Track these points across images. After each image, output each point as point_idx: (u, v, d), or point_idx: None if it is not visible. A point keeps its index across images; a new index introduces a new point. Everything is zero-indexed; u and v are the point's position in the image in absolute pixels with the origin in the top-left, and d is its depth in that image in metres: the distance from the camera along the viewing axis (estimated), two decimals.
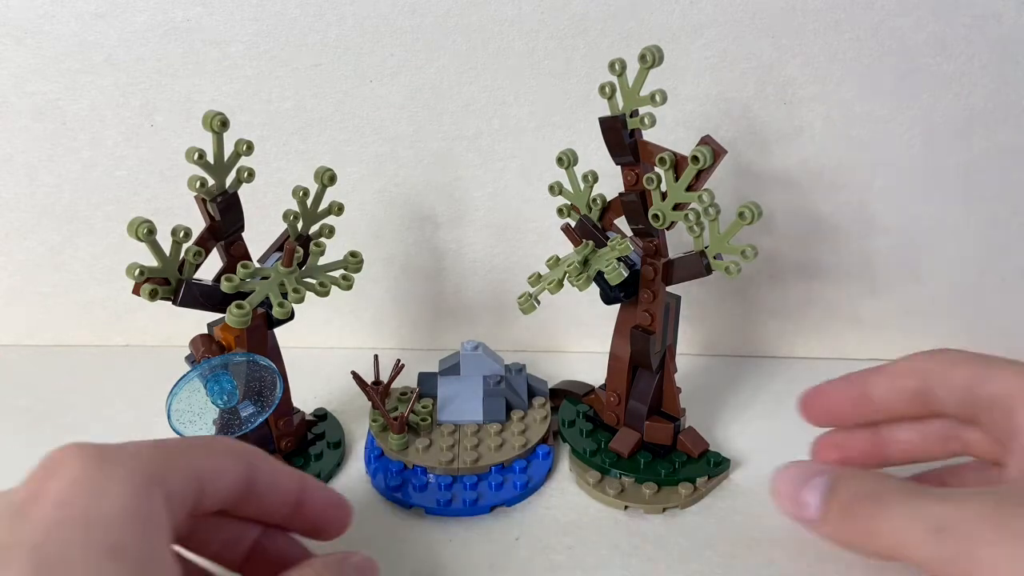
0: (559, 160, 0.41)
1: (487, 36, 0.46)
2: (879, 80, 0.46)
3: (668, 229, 0.38)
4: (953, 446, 0.33)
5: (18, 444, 0.46)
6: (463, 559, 0.38)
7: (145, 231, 0.34)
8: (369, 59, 0.47)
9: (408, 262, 0.54)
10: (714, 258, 0.36)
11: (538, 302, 0.38)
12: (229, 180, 0.37)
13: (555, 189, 0.42)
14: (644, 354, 0.41)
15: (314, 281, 0.38)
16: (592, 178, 0.41)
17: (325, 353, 0.55)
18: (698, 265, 0.37)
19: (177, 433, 0.36)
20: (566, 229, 0.41)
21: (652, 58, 0.35)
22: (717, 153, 0.35)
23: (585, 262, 0.38)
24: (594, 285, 0.39)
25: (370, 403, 0.44)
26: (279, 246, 0.40)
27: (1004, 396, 0.29)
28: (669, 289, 0.40)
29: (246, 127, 0.48)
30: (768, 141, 0.48)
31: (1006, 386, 0.29)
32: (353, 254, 0.40)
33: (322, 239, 0.40)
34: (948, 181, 0.48)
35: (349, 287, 0.39)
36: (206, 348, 0.38)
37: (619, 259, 0.37)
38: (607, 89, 0.37)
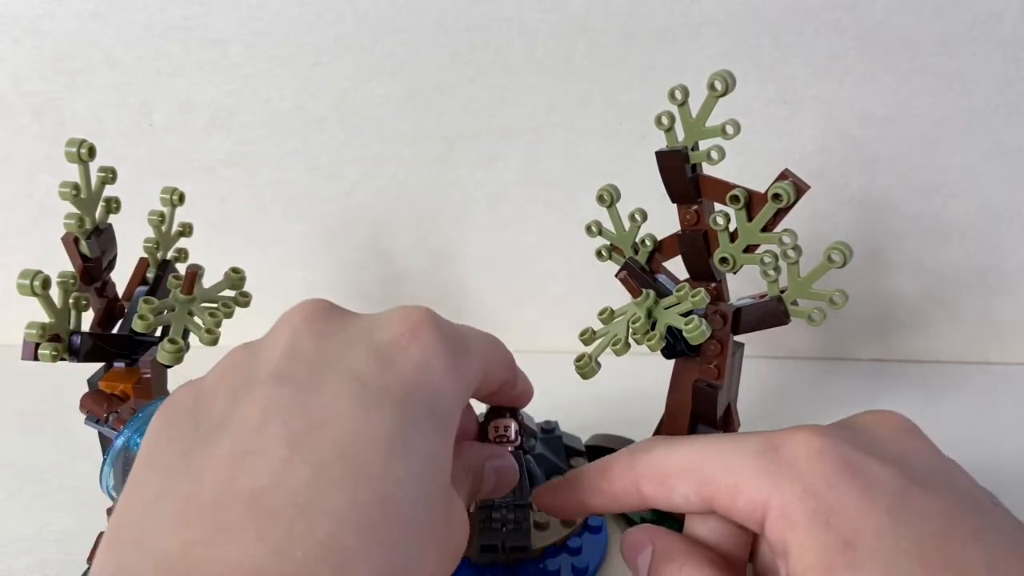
0: (599, 198, 0.36)
1: (487, 35, 0.46)
2: (880, 80, 0.45)
3: (734, 273, 0.34)
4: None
5: (18, 444, 0.46)
6: None
7: (40, 284, 0.30)
8: (369, 59, 0.47)
9: (407, 262, 0.54)
10: (791, 304, 0.33)
11: (598, 364, 0.34)
12: (98, 213, 0.35)
13: (593, 230, 0.37)
14: (711, 411, 0.36)
15: (215, 304, 0.34)
16: (640, 217, 0.36)
17: None
18: (776, 313, 0.33)
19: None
20: (623, 280, 0.36)
21: (724, 86, 0.32)
22: (800, 189, 0.31)
23: (647, 315, 0.34)
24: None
25: None
26: (142, 279, 0.37)
27: (766, 513, 0.23)
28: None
29: (245, 127, 0.49)
30: (768, 141, 0.48)
31: (763, 500, 0.23)
32: (235, 270, 0.36)
33: (193, 263, 0.37)
34: (949, 181, 0.48)
35: (247, 304, 0.35)
36: (109, 404, 0.33)
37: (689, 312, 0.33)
38: (664, 120, 0.34)
